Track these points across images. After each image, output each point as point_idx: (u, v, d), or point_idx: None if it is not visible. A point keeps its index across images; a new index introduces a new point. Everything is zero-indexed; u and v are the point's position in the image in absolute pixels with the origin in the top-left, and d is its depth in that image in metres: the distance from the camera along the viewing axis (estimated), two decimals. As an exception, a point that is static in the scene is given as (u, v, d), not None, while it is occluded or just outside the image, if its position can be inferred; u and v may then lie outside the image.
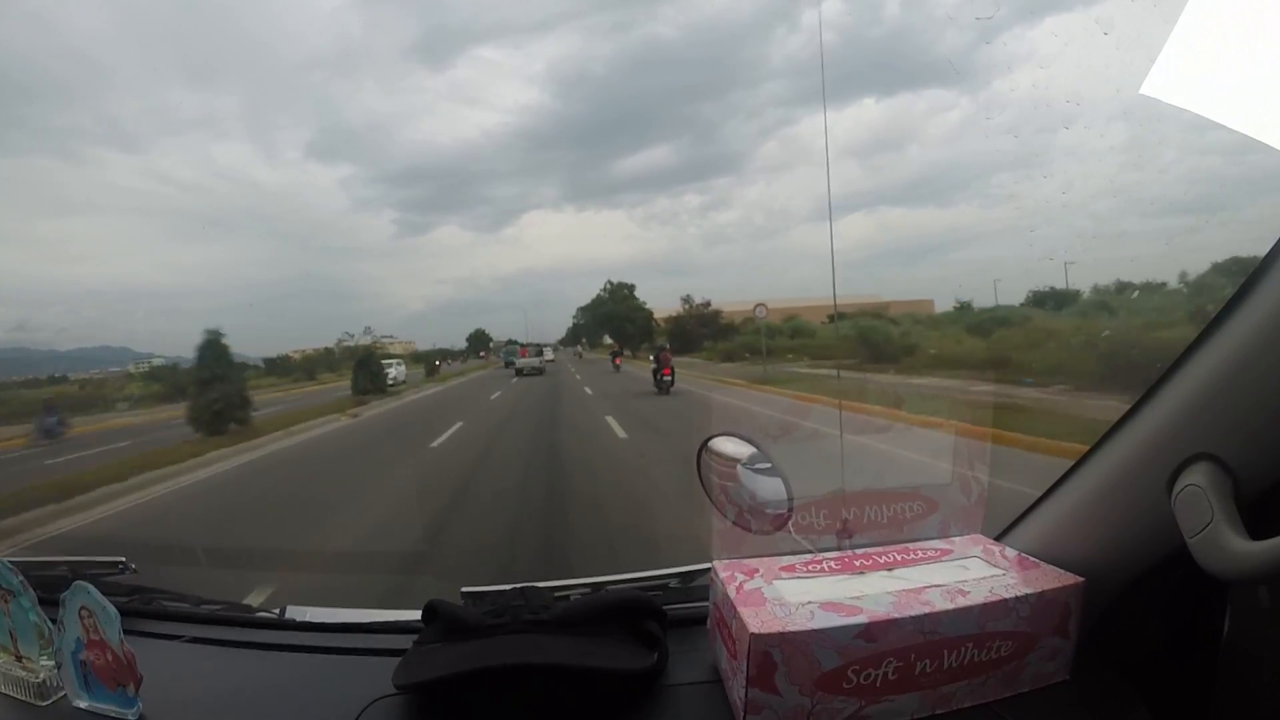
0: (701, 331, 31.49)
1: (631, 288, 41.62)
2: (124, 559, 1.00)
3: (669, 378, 12.89)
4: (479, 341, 56.25)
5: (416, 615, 0.79)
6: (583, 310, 46.60)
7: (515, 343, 38.61)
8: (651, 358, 14.64)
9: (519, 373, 22.34)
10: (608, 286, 42.17)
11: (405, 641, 0.76)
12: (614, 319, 40.24)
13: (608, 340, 42.23)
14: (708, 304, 34.42)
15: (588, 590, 0.84)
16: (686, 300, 35.48)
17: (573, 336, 47.75)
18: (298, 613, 0.93)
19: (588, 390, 15.25)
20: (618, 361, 23.26)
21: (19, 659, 0.75)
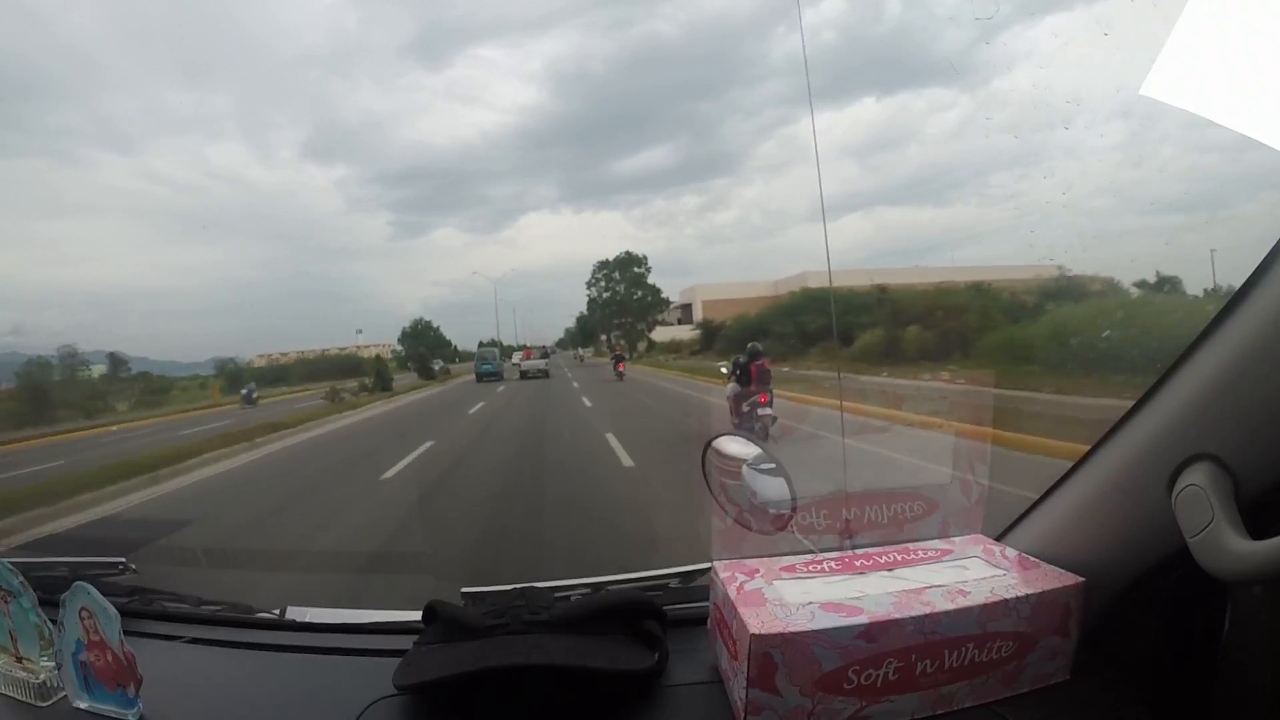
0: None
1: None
2: (124, 559, 1.00)
3: (767, 407, 6.73)
4: (422, 341, 34.27)
5: (416, 615, 0.79)
6: (596, 278, 35.16)
7: (496, 344, 31.50)
8: (725, 370, 8.52)
9: (523, 375, 22.17)
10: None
11: (405, 642, 0.76)
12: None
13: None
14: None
15: (588, 590, 0.84)
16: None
17: (579, 335, 39.51)
18: (298, 613, 0.92)
19: (616, 448, 6.75)
20: (620, 368, 18.65)
21: (19, 660, 0.75)
